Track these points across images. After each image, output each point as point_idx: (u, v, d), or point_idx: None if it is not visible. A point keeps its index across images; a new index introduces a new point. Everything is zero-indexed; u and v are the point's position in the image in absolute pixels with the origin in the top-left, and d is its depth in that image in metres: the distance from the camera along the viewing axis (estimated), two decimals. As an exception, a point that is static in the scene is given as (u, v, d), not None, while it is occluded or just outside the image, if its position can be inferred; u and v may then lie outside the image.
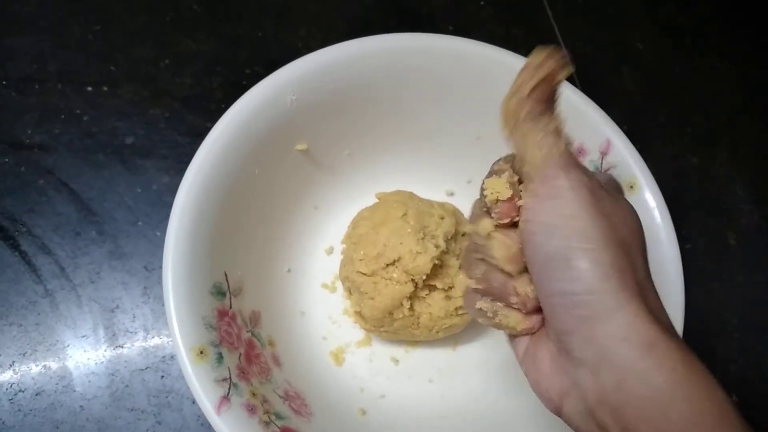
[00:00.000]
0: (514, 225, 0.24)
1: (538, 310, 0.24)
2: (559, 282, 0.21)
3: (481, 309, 0.26)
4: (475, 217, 0.26)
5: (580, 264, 0.21)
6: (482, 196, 0.25)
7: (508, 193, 0.24)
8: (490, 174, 0.25)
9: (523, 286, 0.24)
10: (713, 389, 0.20)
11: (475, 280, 0.26)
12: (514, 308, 0.25)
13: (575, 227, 0.21)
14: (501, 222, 0.24)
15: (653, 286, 0.23)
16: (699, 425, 0.19)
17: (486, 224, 0.25)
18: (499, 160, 0.26)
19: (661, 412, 0.19)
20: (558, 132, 0.23)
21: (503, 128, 0.24)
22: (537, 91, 0.22)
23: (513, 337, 0.27)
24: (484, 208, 0.25)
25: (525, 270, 0.24)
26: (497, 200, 0.24)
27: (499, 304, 0.26)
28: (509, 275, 0.25)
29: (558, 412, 0.23)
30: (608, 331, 0.20)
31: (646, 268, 0.23)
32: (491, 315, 0.26)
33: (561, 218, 0.22)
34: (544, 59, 0.23)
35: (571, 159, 0.23)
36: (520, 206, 0.23)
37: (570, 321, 0.21)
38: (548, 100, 0.23)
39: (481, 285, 0.26)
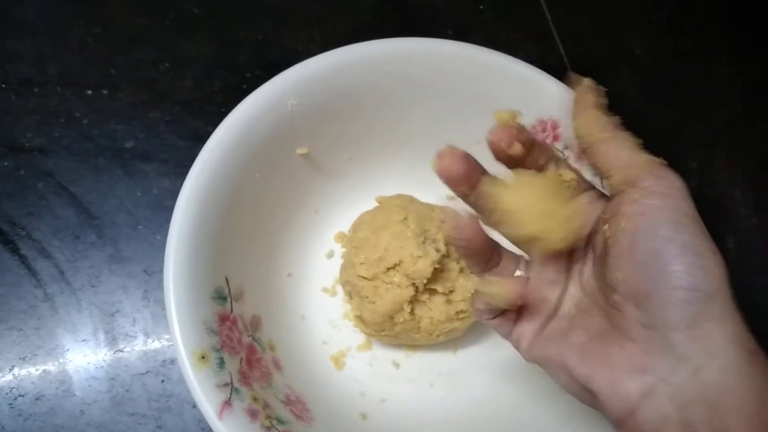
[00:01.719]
0: None
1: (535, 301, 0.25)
2: (686, 276, 0.21)
3: (475, 296, 0.27)
4: None
5: (710, 263, 0.22)
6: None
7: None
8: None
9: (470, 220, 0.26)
10: None
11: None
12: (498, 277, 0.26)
13: (700, 227, 0.22)
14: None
15: None
16: None
17: None
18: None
19: (760, 413, 0.20)
20: (640, 147, 0.25)
21: (587, 143, 0.25)
22: (596, 111, 0.25)
23: (512, 328, 0.27)
24: None
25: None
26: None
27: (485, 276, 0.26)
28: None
29: (629, 415, 0.22)
30: (722, 333, 0.21)
31: None
32: (482, 296, 0.26)
33: (687, 217, 0.22)
34: (589, 85, 0.26)
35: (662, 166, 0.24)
36: (626, 206, 0.24)
37: (684, 316, 0.21)
38: (610, 122, 0.25)
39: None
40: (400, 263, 0.37)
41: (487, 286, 0.26)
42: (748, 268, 0.50)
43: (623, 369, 0.23)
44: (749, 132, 0.55)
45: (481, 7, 0.55)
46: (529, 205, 0.26)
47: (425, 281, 0.37)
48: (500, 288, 0.26)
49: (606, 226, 0.25)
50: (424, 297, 0.38)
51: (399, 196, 0.42)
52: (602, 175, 0.25)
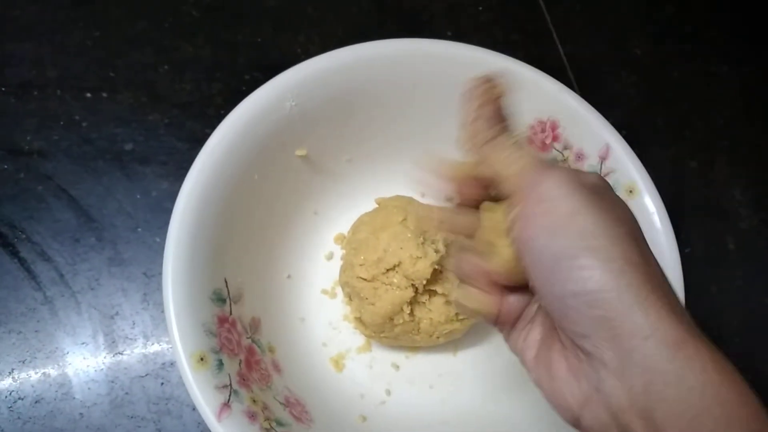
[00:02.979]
0: None
1: (499, 287, 0.25)
2: (569, 282, 0.20)
3: (457, 303, 0.26)
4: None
5: (590, 261, 0.20)
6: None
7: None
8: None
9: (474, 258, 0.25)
10: (746, 393, 0.19)
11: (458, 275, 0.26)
12: (475, 288, 0.25)
13: (578, 224, 0.21)
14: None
15: (666, 279, 0.22)
16: (732, 427, 0.18)
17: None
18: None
19: (694, 415, 0.18)
20: (520, 145, 0.23)
21: (473, 160, 0.25)
22: (482, 113, 0.24)
23: (510, 341, 0.26)
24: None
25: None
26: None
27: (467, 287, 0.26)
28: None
29: (576, 422, 0.22)
30: (630, 330, 0.19)
31: (657, 262, 0.22)
32: (464, 308, 0.26)
33: (560, 218, 0.21)
34: (479, 84, 0.24)
35: (546, 164, 0.23)
36: (510, 220, 0.23)
37: (587, 322, 0.20)
38: (498, 120, 0.24)
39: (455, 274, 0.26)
40: (399, 264, 0.37)
41: (465, 299, 0.26)
42: (748, 268, 0.50)
43: (562, 378, 0.22)
44: (749, 132, 0.55)
45: (480, 8, 0.55)
46: (491, 241, 0.25)
47: (425, 282, 0.37)
48: (477, 303, 0.26)
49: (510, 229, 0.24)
50: (424, 298, 0.38)
51: (398, 198, 0.42)
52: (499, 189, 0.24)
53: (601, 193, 0.22)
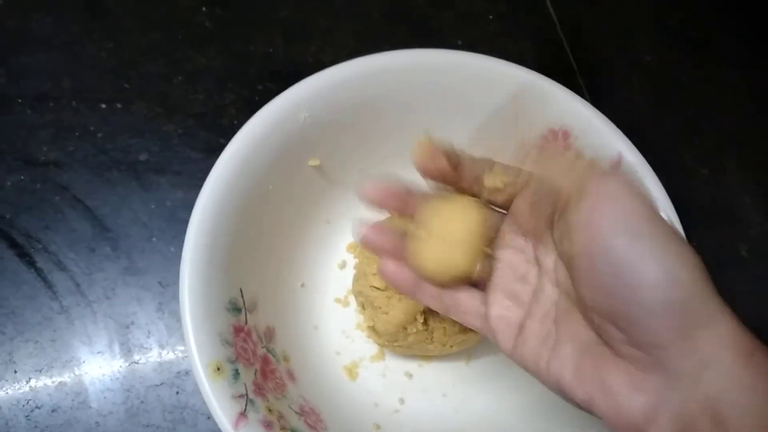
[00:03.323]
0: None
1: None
2: (655, 290, 0.19)
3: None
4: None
5: (677, 266, 0.19)
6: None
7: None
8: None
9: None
10: None
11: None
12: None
13: (659, 229, 0.20)
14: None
15: None
16: None
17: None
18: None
19: (763, 418, 0.19)
20: (579, 155, 0.23)
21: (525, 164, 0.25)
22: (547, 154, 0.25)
23: (539, 366, 0.26)
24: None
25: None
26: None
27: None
28: None
29: None
30: (712, 339, 0.19)
31: None
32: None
33: (641, 218, 0.20)
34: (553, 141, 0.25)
35: (606, 170, 0.22)
36: (572, 225, 0.22)
37: (665, 332, 0.20)
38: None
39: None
40: (412, 273, 0.37)
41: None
42: (760, 275, 0.50)
43: (622, 391, 0.21)
44: (759, 138, 0.55)
45: (491, 17, 0.56)
46: (432, 233, 0.26)
47: (438, 291, 0.37)
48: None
49: (564, 242, 0.23)
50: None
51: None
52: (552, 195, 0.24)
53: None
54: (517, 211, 0.27)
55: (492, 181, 0.27)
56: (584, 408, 0.23)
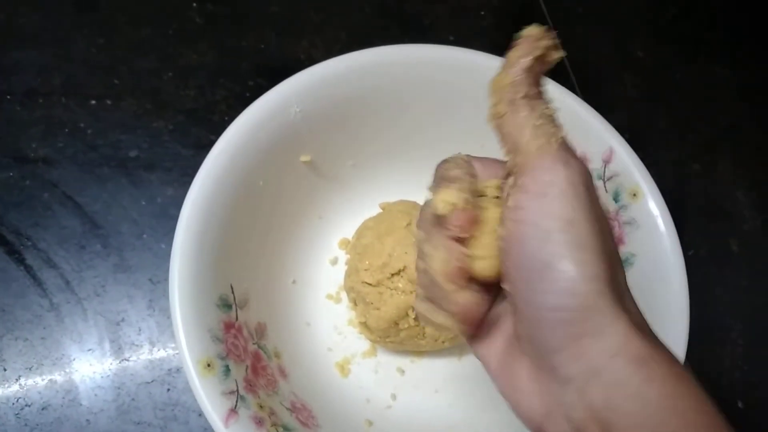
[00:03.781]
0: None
1: (480, 322, 0.23)
2: (552, 295, 0.20)
3: (421, 312, 0.24)
4: (422, 221, 0.24)
5: (578, 277, 0.19)
6: (429, 207, 0.23)
7: (465, 204, 0.22)
8: (439, 181, 0.23)
9: (465, 298, 0.22)
10: (704, 402, 0.19)
11: (422, 289, 0.24)
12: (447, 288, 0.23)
13: (573, 234, 0.19)
14: (459, 236, 0.22)
15: (630, 294, 0.21)
16: None
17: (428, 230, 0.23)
18: (447, 161, 0.24)
19: (652, 427, 0.19)
20: (553, 120, 0.21)
21: (493, 110, 0.22)
22: (535, 68, 0.21)
23: (474, 347, 0.25)
24: (432, 221, 0.23)
25: (466, 285, 0.23)
26: (452, 212, 0.22)
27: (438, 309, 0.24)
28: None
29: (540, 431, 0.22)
30: (601, 348, 0.19)
31: (623, 275, 0.22)
32: (429, 323, 0.24)
33: (558, 222, 0.20)
34: (539, 35, 0.21)
35: (569, 149, 0.21)
36: (507, 206, 0.21)
37: (559, 338, 0.20)
38: (534, 79, 0.21)
39: (424, 292, 0.24)
40: (404, 269, 0.37)
41: (432, 315, 0.23)
42: (752, 270, 0.50)
43: (525, 388, 0.22)
44: (751, 134, 0.55)
45: (482, 12, 0.56)
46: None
47: (430, 287, 0.37)
48: (445, 320, 0.23)
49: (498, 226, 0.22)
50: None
51: (403, 202, 0.42)
52: (505, 155, 0.22)
53: (594, 197, 0.21)
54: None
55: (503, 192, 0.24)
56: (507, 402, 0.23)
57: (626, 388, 0.19)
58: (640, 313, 0.21)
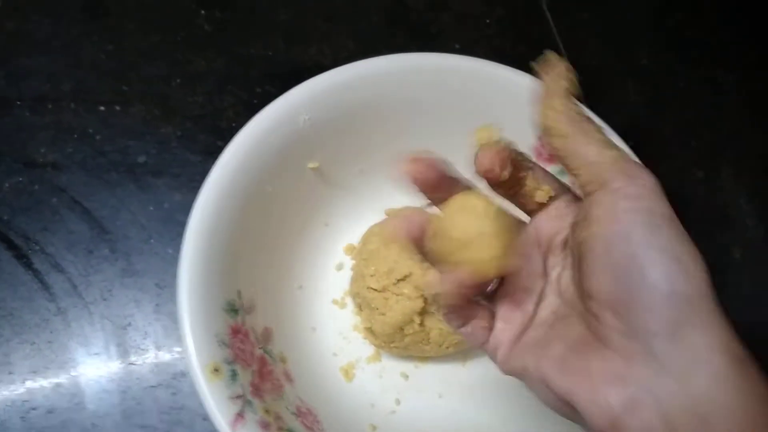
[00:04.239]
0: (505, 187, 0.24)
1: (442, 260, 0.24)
2: (664, 279, 0.20)
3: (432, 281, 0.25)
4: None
5: (690, 264, 0.20)
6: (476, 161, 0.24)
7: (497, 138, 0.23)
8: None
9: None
10: None
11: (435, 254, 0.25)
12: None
13: (676, 229, 0.21)
14: (488, 176, 0.24)
15: None
16: None
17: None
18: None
19: (749, 423, 0.19)
20: (608, 137, 0.22)
21: (554, 131, 0.23)
22: (557, 88, 0.22)
23: (486, 339, 0.26)
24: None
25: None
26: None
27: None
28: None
29: (611, 428, 0.21)
30: (707, 341, 0.20)
31: None
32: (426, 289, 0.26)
33: (661, 218, 0.21)
34: (562, 68, 0.23)
35: (637, 163, 0.22)
36: (592, 209, 0.22)
37: (664, 322, 0.20)
38: (574, 99, 0.23)
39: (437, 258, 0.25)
40: (410, 275, 0.38)
41: (423, 278, 0.25)
42: (754, 279, 0.50)
43: (604, 380, 0.21)
44: (755, 142, 0.55)
45: (488, 20, 0.56)
46: (461, 232, 0.23)
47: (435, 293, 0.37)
48: (430, 277, 0.25)
49: (579, 231, 0.23)
50: (434, 308, 0.38)
51: (408, 209, 0.42)
52: (570, 173, 0.23)
53: None
54: (539, 223, 0.27)
55: (542, 195, 0.25)
56: (564, 406, 0.23)
57: (729, 383, 0.19)
58: None
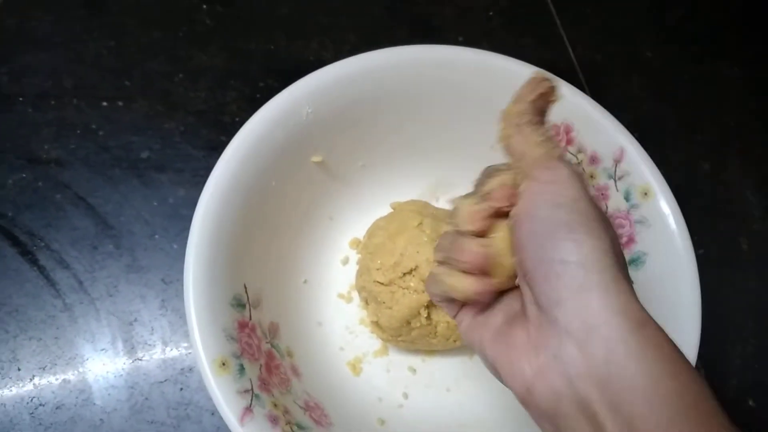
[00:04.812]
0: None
1: (486, 273, 0.25)
2: (561, 250, 0.22)
3: (433, 280, 0.27)
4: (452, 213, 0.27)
5: (583, 237, 0.22)
6: (479, 185, 0.27)
7: (512, 181, 0.26)
8: (488, 175, 0.27)
9: (475, 245, 0.25)
10: (694, 372, 0.21)
11: (440, 252, 0.27)
12: (464, 273, 0.26)
13: (581, 208, 0.23)
14: (498, 206, 0.26)
15: (628, 272, 0.24)
16: (684, 400, 0.20)
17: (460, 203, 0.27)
18: (490, 167, 0.27)
19: (650, 385, 0.20)
20: (553, 139, 0.25)
21: (502, 133, 0.26)
22: (538, 101, 0.25)
23: (458, 310, 0.27)
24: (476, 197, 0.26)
25: (482, 233, 0.26)
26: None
27: (451, 270, 0.26)
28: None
29: (528, 393, 0.23)
30: (604, 304, 0.21)
31: (623, 256, 0.24)
32: (442, 285, 0.26)
33: (565, 198, 0.23)
34: (543, 79, 0.26)
35: (567, 161, 0.25)
36: (518, 192, 0.25)
37: (564, 289, 0.22)
38: (540, 112, 0.26)
39: (439, 256, 0.27)
40: (416, 268, 0.38)
41: (449, 278, 0.26)
42: (761, 269, 0.50)
43: (520, 349, 0.23)
44: (760, 133, 0.55)
45: (491, 13, 0.56)
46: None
47: (441, 286, 0.37)
48: (461, 283, 0.26)
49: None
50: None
51: (413, 202, 0.42)
52: (512, 166, 0.26)
53: (591, 194, 0.24)
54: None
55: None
56: (494, 373, 0.25)
57: (627, 346, 0.20)
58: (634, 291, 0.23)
